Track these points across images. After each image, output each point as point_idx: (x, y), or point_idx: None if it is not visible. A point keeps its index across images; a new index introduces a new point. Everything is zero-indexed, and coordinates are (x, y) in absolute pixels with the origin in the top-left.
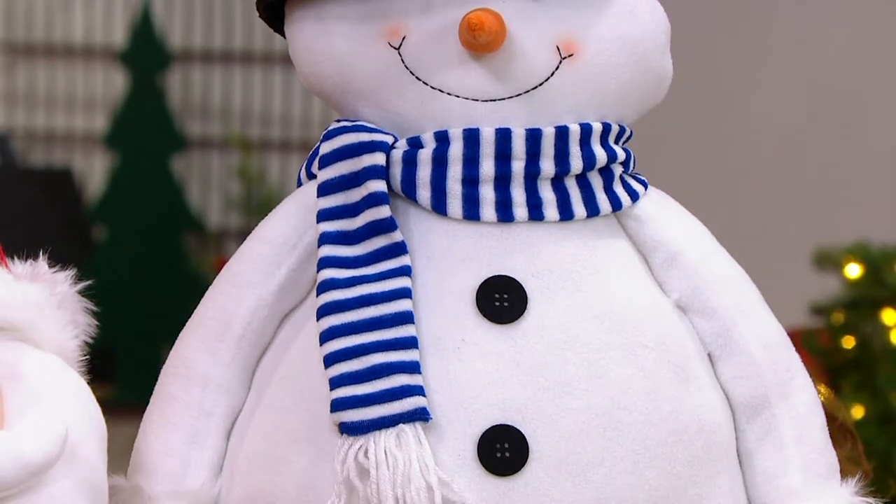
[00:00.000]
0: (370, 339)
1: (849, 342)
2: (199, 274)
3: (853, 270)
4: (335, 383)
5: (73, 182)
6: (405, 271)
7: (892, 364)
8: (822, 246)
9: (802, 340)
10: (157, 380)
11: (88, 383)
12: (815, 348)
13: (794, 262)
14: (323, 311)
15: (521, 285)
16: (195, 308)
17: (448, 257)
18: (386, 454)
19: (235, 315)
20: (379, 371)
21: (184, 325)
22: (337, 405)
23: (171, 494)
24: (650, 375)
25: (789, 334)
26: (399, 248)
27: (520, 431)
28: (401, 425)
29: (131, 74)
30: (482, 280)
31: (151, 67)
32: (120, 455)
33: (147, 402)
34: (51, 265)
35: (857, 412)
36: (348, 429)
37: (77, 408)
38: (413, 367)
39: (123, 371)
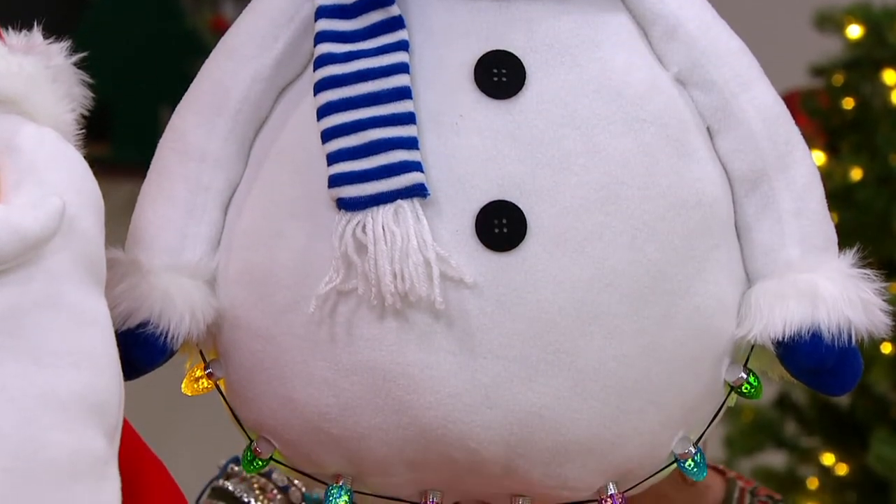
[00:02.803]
0: (368, 115)
1: (848, 103)
2: (194, 32)
3: (854, 31)
4: (333, 158)
5: None
6: (402, 46)
7: (891, 124)
8: (822, 6)
9: (802, 102)
10: (153, 138)
11: (85, 142)
12: (814, 110)
13: (795, 23)
14: (320, 86)
15: (519, 60)
16: (191, 67)
17: (446, 32)
18: (384, 230)
19: (232, 89)
20: (376, 146)
21: (180, 84)
22: (335, 180)
23: (169, 267)
24: (649, 149)
25: (789, 96)
26: (396, 23)
27: (517, 207)
28: (399, 201)
29: None
30: (480, 55)
31: None
32: (117, 215)
33: (144, 161)
34: (45, 36)
35: (856, 173)
36: (346, 204)
37: (74, 181)
38: (411, 143)
39: (120, 129)
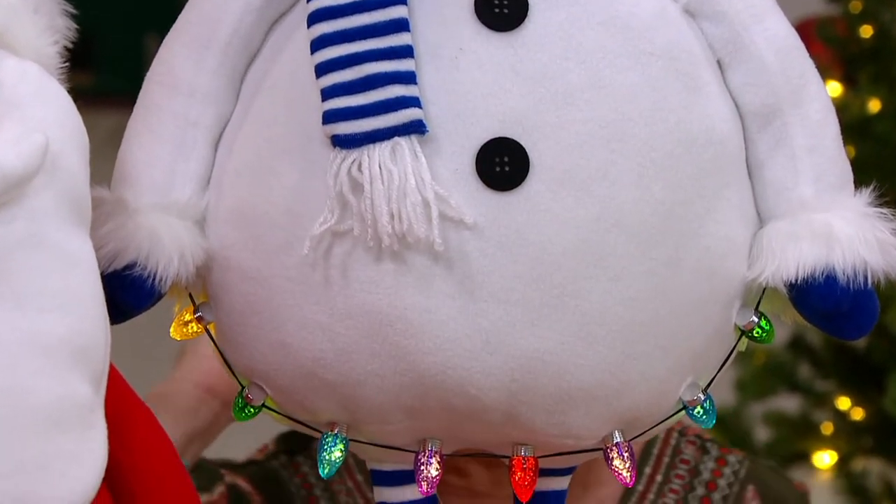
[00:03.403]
0: (364, 48)
1: (867, 31)
2: None
3: None
4: (327, 94)
5: None
6: None
7: None
8: None
9: (818, 30)
10: (139, 68)
11: (67, 71)
12: (830, 38)
13: None
14: (314, 18)
15: None
16: None
17: None
18: (380, 168)
19: (221, 21)
20: (373, 81)
21: (166, 11)
22: (329, 117)
23: (157, 206)
24: (657, 84)
25: (804, 23)
26: None
27: (520, 144)
28: (396, 138)
29: None
30: None
31: None
32: (101, 148)
33: (129, 92)
34: None
35: (874, 105)
36: (341, 141)
37: (58, 117)
38: (408, 78)
39: (104, 58)
